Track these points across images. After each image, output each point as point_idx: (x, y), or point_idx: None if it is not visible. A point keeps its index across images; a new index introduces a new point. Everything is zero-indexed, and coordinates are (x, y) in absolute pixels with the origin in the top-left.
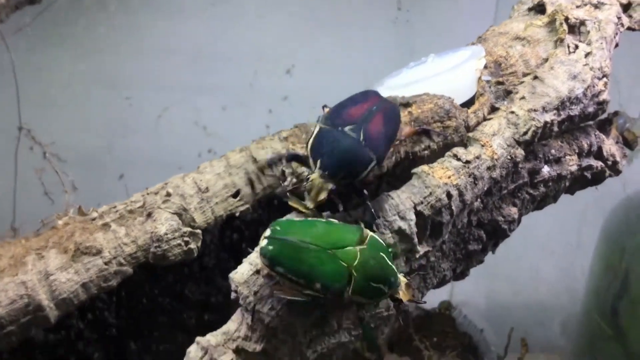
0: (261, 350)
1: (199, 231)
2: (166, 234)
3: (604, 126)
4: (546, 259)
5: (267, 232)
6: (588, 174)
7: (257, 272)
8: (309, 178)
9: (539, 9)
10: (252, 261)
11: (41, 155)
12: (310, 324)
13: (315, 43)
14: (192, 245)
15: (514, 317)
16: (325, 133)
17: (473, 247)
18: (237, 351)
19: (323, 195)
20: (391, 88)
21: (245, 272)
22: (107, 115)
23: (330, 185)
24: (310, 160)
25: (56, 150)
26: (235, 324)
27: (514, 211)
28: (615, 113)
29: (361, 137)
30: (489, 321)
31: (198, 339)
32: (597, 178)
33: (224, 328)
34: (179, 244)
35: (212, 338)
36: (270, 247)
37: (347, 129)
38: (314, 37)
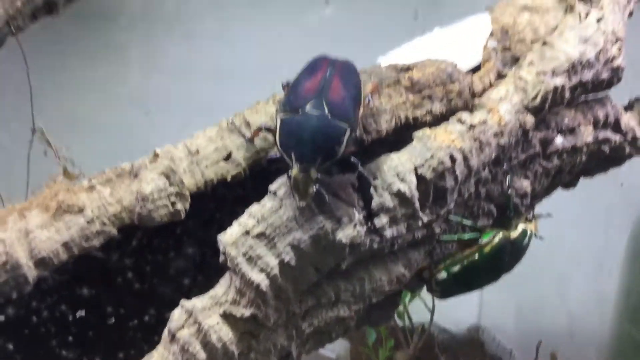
0: (250, 316)
1: (186, 192)
2: (152, 193)
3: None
4: (573, 267)
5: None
6: (606, 148)
7: (247, 232)
8: (290, 176)
9: None
10: (242, 222)
11: (56, 163)
12: (304, 290)
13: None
14: (179, 206)
15: (544, 331)
16: (287, 122)
17: (483, 223)
18: (225, 316)
19: (311, 189)
20: (394, 57)
21: (235, 232)
22: (128, 130)
23: (314, 175)
24: (285, 157)
25: (74, 162)
26: (223, 288)
27: (526, 184)
28: (637, 99)
29: (326, 110)
30: (518, 340)
31: (183, 302)
32: (617, 155)
33: (211, 292)
34: (165, 205)
35: (197, 301)
36: None
37: (308, 107)
38: (332, 51)
